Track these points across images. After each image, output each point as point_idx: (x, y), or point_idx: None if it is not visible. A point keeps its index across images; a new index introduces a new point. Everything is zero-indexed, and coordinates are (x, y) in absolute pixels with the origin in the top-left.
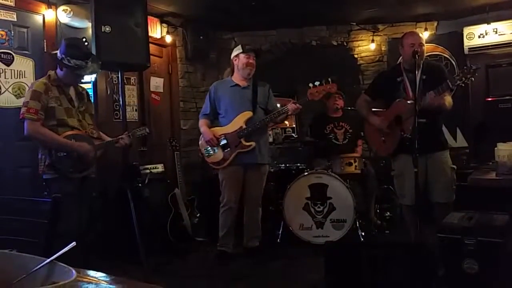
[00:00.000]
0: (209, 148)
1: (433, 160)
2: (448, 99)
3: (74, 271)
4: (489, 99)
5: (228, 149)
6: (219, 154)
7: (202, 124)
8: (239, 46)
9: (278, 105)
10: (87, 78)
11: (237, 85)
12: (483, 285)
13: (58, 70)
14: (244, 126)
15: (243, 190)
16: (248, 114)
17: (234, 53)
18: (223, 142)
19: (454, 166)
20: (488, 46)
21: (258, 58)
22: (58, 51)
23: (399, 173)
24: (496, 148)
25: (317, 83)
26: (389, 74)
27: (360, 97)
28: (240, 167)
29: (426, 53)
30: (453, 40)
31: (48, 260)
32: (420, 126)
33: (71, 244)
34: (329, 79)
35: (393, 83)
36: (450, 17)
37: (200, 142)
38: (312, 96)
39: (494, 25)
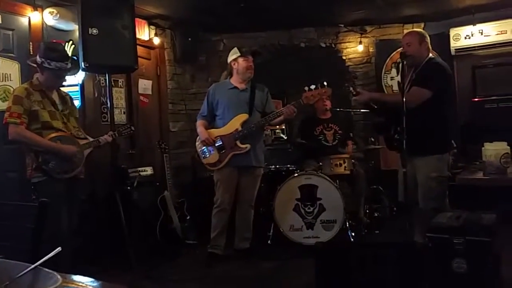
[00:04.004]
0: (205, 149)
1: (415, 164)
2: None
3: (59, 276)
4: (476, 99)
5: (224, 150)
6: (215, 155)
7: (199, 124)
8: (236, 50)
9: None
10: (74, 80)
11: (235, 87)
12: (472, 284)
13: (40, 75)
14: (240, 128)
15: (236, 192)
16: (244, 116)
17: (231, 57)
18: (219, 143)
19: (441, 174)
20: (474, 47)
21: (255, 59)
22: (37, 56)
23: None
24: (483, 148)
25: (312, 86)
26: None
27: None
28: (234, 169)
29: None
30: (440, 42)
31: (32, 266)
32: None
33: (56, 249)
34: (324, 83)
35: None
36: (436, 18)
37: (196, 143)
38: (307, 100)
39: (479, 26)
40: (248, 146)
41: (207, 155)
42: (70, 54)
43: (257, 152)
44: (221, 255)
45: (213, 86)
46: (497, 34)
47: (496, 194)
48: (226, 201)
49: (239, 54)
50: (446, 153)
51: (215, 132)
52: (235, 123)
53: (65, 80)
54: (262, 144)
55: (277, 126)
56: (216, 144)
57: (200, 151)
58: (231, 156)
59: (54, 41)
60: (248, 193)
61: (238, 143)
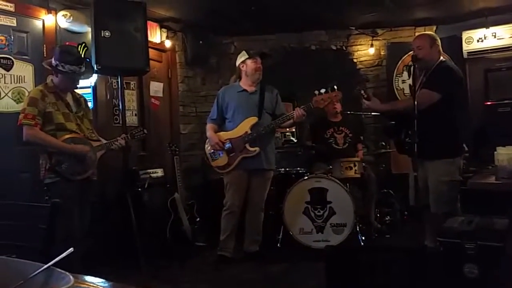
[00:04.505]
0: (215, 152)
1: (426, 168)
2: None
3: (71, 276)
4: (488, 103)
5: (233, 153)
6: (224, 158)
7: (209, 128)
8: (244, 52)
9: None
10: (86, 83)
11: (244, 90)
12: None
13: (54, 77)
14: (249, 131)
15: (246, 195)
16: (253, 119)
17: (240, 60)
18: (228, 146)
19: (452, 179)
20: (487, 50)
21: (263, 60)
22: (52, 59)
23: None
24: (495, 152)
25: (322, 90)
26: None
27: None
28: (244, 172)
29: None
30: (452, 45)
31: (45, 266)
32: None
33: (69, 250)
34: (335, 87)
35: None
36: (449, 21)
37: (206, 146)
38: (317, 104)
39: (492, 29)
40: (257, 149)
41: (216, 158)
42: (83, 56)
43: (268, 154)
44: (230, 258)
45: (222, 89)
46: (511, 37)
47: (509, 199)
48: (236, 204)
49: (247, 56)
50: (457, 157)
51: (224, 135)
52: (245, 126)
53: (78, 83)
54: (273, 146)
55: (287, 129)
56: (226, 147)
57: (209, 154)
58: (240, 159)
59: (67, 43)
60: (258, 195)
61: (247, 146)
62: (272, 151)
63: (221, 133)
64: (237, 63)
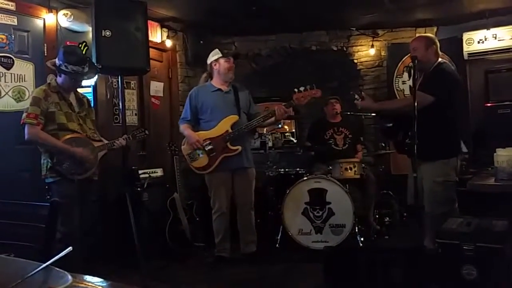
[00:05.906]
0: (193, 152)
1: (421, 168)
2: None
3: (69, 276)
4: (489, 104)
5: (214, 153)
6: (204, 158)
7: (185, 128)
8: (217, 50)
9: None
10: (87, 82)
11: (219, 89)
12: None
13: (58, 77)
14: (230, 130)
15: (233, 195)
16: (234, 118)
17: (212, 58)
18: (209, 146)
19: (447, 179)
20: (488, 51)
21: (236, 61)
22: (56, 59)
23: None
24: (495, 154)
25: (302, 88)
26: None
27: None
28: (227, 172)
29: None
30: (453, 46)
31: (44, 265)
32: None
33: (67, 249)
34: (314, 85)
35: None
36: (449, 22)
37: (183, 147)
38: (299, 101)
39: (493, 30)
40: (239, 148)
41: (196, 159)
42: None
43: (247, 153)
44: (228, 258)
45: (195, 89)
46: (511, 39)
47: (508, 200)
48: (224, 205)
49: (220, 55)
50: (453, 158)
51: (203, 135)
52: (225, 125)
53: (81, 83)
54: (250, 144)
55: (287, 129)
56: (206, 148)
57: (187, 154)
58: (221, 158)
59: (68, 42)
60: (245, 196)
61: (229, 145)
62: (250, 149)
63: (200, 132)
64: (209, 61)
